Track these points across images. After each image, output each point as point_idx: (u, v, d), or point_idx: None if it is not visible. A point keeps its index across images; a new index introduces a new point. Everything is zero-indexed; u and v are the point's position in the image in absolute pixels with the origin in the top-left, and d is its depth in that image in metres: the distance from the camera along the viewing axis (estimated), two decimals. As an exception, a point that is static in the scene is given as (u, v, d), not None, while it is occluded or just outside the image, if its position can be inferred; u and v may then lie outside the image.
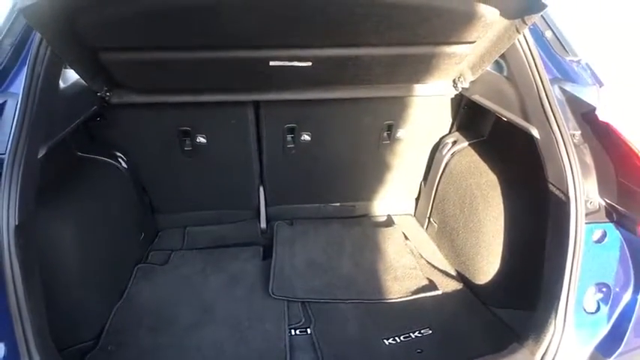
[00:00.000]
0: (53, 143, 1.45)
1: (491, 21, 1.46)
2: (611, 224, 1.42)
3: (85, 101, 1.72)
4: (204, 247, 2.29)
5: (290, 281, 2.00)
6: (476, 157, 2.05)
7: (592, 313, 1.42)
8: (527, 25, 1.44)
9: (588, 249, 1.39)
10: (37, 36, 1.35)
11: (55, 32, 1.31)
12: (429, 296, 1.95)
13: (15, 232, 1.21)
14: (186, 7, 1.32)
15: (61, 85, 1.56)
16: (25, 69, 1.35)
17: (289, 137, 2.15)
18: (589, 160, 1.44)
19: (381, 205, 2.62)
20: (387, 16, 1.44)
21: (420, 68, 1.80)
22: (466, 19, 1.46)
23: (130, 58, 1.57)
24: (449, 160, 2.20)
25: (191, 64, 1.63)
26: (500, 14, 1.44)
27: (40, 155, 1.35)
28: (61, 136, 1.53)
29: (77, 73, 1.60)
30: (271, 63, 1.62)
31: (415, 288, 1.98)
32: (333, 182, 2.45)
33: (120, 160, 2.05)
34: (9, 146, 1.27)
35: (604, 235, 1.42)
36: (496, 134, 2.07)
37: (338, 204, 2.57)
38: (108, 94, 1.77)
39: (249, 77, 1.78)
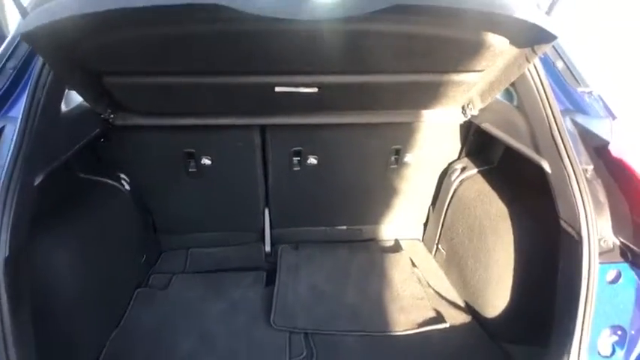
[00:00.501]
0: (53, 168, 1.43)
1: (500, 50, 1.43)
2: (625, 264, 1.35)
3: (88, 123, 1.71)
4: (207, 271, 2.26)
5: (292, 311, 1.95)
6: (485, 186, 2.00)
7: (607, 357, 1.35)
8: (537, 54, 1.41)
9: (602, 290, 1.32)
10: (40, 59, 1.35)
11: (56, 56, 1.31)
12: (436, 329, 1.88)
13: (5, 263, 1.18)
14: (188, 35, 1.31)
15: (64, 108, 1.55)
16: (25, 93, 1.34)
17: (295, 160, 2.13)
18: (602, 196, 1.38)
19: (388, 230, 2.57)
20: (395, 46, 1.41)
21: (427, 95, 1.77)
22: (475, 48, 1.43)
23: (133, 82, 1.56)
24: (457, 187, 2.15)
25: (195, 88, 1.62)
26: (510, 43, 1.40)
27: (37, 182, 1.33)
28: (63, 159, 1.51)
29: (80, 95, 1.60)
30: (277, 89, 1.60)
31: (422, 320, 1.92)
32: (339, 205, 2.41)
33: (123, 181, 2.04)
34: (3, 174, 1.24)
35: (618, 275, 1.35)
36: (506, 162, 2.02)
37: (344, 227, 2.53)
38: (112, 116, 1.76)
39: (255, 102, 1.77)
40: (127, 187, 2.05)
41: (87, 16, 1.09)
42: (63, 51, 1.30)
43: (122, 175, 2.05)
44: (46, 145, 1.37)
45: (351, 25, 1.25)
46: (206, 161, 2.07)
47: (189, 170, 2.08)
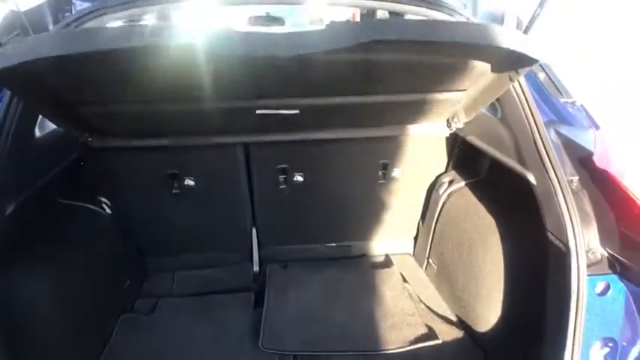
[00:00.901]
0: (27, 195, 1.39)
1: (483, 72, 1.45)
2: (614, 275, 1.34)
3: (65, 148, 1.68)
4: (193, 294, 2.20)
5: (281, 333, 1.90)
6: (473, 199, 1.99)
7: (599, 370, 1.34)
8: (520, 75, 1.41)
9: (592, 302, 1.31)
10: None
11: (25, 89, 1.28)
12: (428, 346, 1.85)
13: None
14: (163, 68, 1.29)
15: (38, 133, 1.51)
16: None
17: (281, 178, 2.11)
18: (588, 207, 1.37)
19: (378, 245, 2.55)
20: (376, 72, 1.42)
21: (411, 113, 1.77)
22: (458, 71, 1.45)
23: (109, 110, 1.54)
24: (446, 200, 2.14)
25: (174, 113, 1.60)
26: (492, 67, 1.42)
27: (8, 212, 1.28)
28: (38, 186, 1.47)
29: (54, 123, 1.56)
30: (257, 111, 1.59)
31: (414, 337, 1.88)
32: (328, 222, 2.38)
33: (104, 205, 1.99)
34: None
35: (607, 287, 1.33)
36: (493, 174, 2.01)
37: (334, 244, 2.50)
38: (90, 139, 1.73)
39: (237, 123, 1.75)
40: (109, 210, 2.01)
41: (52, 58, 1.07)
42: (30, 84, 1.27)
43: (103, 199, 2.01)
44: (18, 173, 1.34)
45: (332, 56, 1.24)
46: (190, 182, 2.03)
47: (173, 192, 2.05)
